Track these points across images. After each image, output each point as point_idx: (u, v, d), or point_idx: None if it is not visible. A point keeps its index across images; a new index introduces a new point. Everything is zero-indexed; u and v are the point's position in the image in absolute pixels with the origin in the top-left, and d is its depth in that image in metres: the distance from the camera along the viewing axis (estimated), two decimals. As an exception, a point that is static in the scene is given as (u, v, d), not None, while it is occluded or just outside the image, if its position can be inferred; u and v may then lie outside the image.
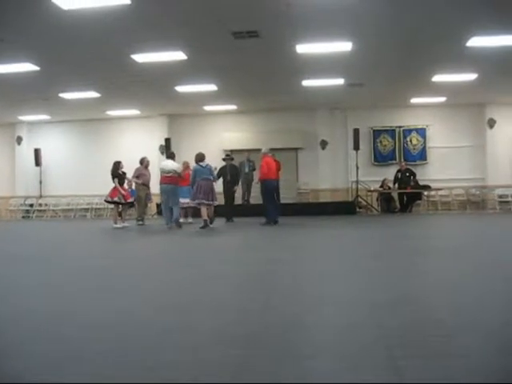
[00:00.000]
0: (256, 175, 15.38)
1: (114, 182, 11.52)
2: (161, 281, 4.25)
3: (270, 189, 11.08)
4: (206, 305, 3.21)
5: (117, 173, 11.60)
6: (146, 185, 12.45)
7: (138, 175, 12.17)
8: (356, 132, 16.43)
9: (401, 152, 17.49)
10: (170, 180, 11.09)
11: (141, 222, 12.25)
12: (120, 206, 11.78)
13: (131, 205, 12.37)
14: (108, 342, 2.38)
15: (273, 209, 11.18)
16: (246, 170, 15.53)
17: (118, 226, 11.41)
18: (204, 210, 10.54)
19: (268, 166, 11.14)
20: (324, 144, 17.63)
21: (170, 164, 11.34)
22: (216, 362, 2.05)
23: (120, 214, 11.89)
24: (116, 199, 11.47)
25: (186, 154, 13.99)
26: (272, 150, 12.55)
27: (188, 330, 2.58)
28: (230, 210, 13.23)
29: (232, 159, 13.90)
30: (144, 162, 12.48)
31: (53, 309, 3.14)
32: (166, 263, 5.60)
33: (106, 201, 12.27)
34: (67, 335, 2.50)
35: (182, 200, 11.54)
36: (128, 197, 11.59)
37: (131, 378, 1.88)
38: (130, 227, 11.62)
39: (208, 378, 1.89)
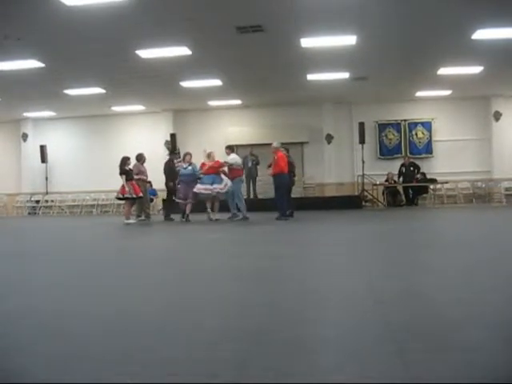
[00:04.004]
0: (260, 170, 15.39)
1: (121, 178, 11.51)
2: (163, 277, 4.26)
3: (284, 183, 11.03)
4: (211, 300, 3.22)
5: (124, 169, 11.59)
6: (146, 180, 12.55)
7: (137, 172, 12.15)
8: (361, 126, 16.39)
9: (406, 145, 17.45)
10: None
11: (142, 218, 12.24)
12: (132, 201, 11.81)
13: (151, 200, 12.85)
14: (110, 339, 2.38)
15: (287, 203, 11.14)
16: (249, 164, 15.44)
17: (130, 221, 11.43)
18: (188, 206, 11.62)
19: (283, 160, 11.08)
20: (329, 138, 17.62)
21: None
22: (220, 358, 2.06)
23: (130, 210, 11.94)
24: (127, 195, 11.48)
25: (192, 149, 13.95)
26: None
27: (191, 326, 2.58)
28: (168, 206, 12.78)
29: (175, 153, 12.96)
30: (142, 159, 12.50)
31: (55, 307, 3.14)
32: (168, 259, 5.62)
33: (117, 198, 12.29)
34: (69, 334, 2.51)
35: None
36: (137, 191, 11.58)
37: (132, 376, 1.89)
38: (140, 223, 11.69)
39: (212, 373, 1.90)
